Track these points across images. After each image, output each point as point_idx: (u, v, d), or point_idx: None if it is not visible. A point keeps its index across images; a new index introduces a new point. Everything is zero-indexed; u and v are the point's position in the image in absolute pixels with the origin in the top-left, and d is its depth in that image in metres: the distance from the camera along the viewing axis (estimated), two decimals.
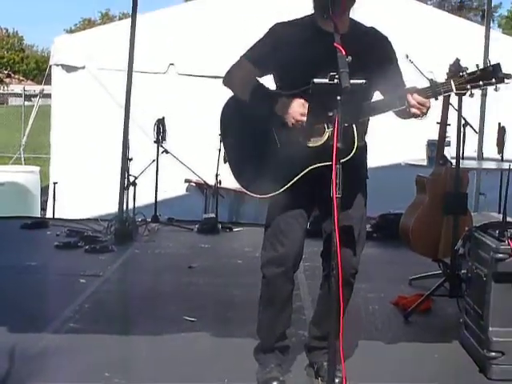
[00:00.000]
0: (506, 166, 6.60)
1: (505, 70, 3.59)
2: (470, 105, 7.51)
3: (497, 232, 4.29)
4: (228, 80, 3.73)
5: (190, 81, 9.46)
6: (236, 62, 3.73)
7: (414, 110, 3.46)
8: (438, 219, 5.66)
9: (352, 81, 3.00)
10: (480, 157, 8.55)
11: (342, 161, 3.14)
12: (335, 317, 3.14)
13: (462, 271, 4.86)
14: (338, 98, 3.03)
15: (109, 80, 9.50)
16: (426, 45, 9.23)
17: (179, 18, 10.39)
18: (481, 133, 8.44)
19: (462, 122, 7.33)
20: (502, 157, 8.05)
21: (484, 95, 8.39)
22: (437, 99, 3.53)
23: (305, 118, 3.39)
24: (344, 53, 3.05)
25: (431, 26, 10.30)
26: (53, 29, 78.92)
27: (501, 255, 4.04)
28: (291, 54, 3.53)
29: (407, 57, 6.62)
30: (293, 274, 3.80)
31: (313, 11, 3.64)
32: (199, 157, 8.87)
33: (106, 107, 9.42)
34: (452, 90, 3.48)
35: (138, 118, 9.08)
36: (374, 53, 3.56)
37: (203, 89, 8.91)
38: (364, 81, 3.08)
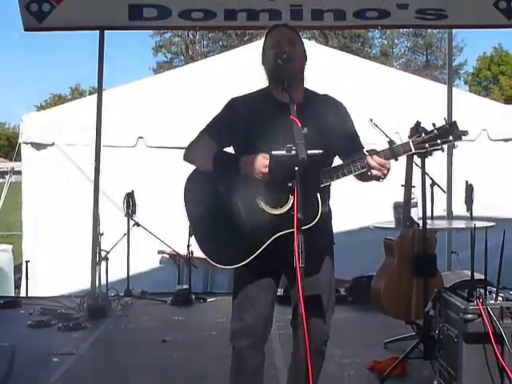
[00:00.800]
0: (473, 224, 6.67)
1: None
2: (437, 164, 7.65)
3: (466, 292, 4.32)
4: (189, 155, 3.77)
5: (160, 153, 9.49)
6: (195, 137, 3.79)
7: (374, 172, 3.50)
8: (408, 281, 5.67)
9: (309, 151, 3.05)
10: (450, 216, 8.61)
11: (307, 227, 3.20)
12: None
13: (436, 332, 4.85)
14: (296, 168, 3.08)
15: (78, 155, 9.52)
16: (391, 107, 9.36)
17: (147, 91, 10.51)
18: (449, 192, 8.51)
19: (430, 182, 7.46)
20: (471, 214, 8.12)
21: (450, 154, 8.50)
22: (396, 160, 3.59)
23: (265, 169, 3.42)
24: (300, 124, 3.11)
25: (395, 87, 10.47)
26: (24, 105, 79.31)
27: (470, 316, 4.06)
28: (249, 126, 3.59)
29: (371, 121, 6.70)
30: (262, 346, 3.79)
31: (267, 83, 3.72)
32: (171, 228, 8.85)
33: (76, 182, 9.43)
34: (411, 150, 3.54)
35: (108, 192, 9.12)
36: (329, 119, 3.64)
37: (172, 160, 8.88)
38: (321, 151, 3.15)
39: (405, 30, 47.71)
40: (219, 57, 13.94)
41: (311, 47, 12.73)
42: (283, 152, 3.12)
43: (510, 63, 57.17)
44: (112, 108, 8.88)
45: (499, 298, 4.20)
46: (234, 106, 3.73)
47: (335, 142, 3.59)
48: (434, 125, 3.53)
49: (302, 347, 3.10)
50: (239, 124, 3.63)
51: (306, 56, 3.76)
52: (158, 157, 9.47)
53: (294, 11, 7.34)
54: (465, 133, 3.56)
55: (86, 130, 8.87)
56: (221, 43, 51.12)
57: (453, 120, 3.58)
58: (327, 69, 10.04)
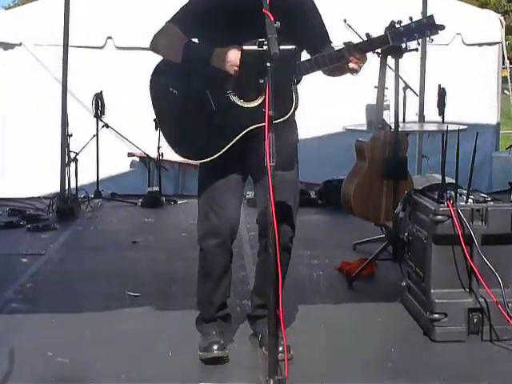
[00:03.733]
0: (445, 127, 6.65)
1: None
2: (410, 68, 7.57)
3: (436, 194, 4.31)
4: (156, 44, 3.64)
5: (129, 54, 9.29)
6: (162, 27, 3.66)
7: (352, 65, 3.48)
8: (379, 184, 5.68)
9: (281, 47, 2.98)
10: (421, 119, 8.60)
11: (279, 121, 3.17)
12: (274, 284, 3.12)
13: (405, 234, 4.87)
14: (268, 64, 3.00)
15: (46, 56, 9.28)
16: (365, 10, 9.19)
17: None
18: (421, 95, 8.47)
19: (403, 85, 7.39)
20: (443, 118, 8.11)
21: (424, 58, 8.41)
22: (374, 52, 3.61)
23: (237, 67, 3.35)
24: (272, 18, 3.03)
25: None
26: None
27: (440, 217, 4.05)
28: (218, 17, 3.48)
29: (345, 21, 6.60)
30: (230, 245, 3.78)
31: None
32: (140, 130, 8.74)
33: (44, 83, 9.23)
34: (388, 43, 3.51)
35: (77, 93, 8.96)
36: (300, 12, 3.60)
37: (141, 61, 8.68)
38: (294, 46, 3.08)
39: None
40: None
41: None
42: (255, 47, 3.03)
43: None
44: (81, 7, 8.65)
45: (470, 201, 4.20)
46: None
47: (305, 35, 3.55)
48: (410, 18, 3.49)
49: (271, 243, 3.08)
50: (208, 14, 3.51)
51: None
52: (127, 57, 9.27)
53: None
54: (441, 27, 3.52)
55: (54, 29, 8.64)
56: None
57: (430, 15, 3.52)
58: None
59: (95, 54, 9.43)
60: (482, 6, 44.76)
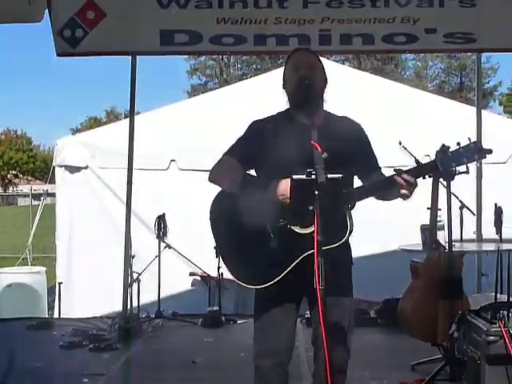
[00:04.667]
0: (502, 246, 6.68)
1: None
2: (467, 186, 7.66)
3: (489, 314, 4.34)
4: (215, 176, 3.87)
5: (191, 176, 9.57)
6: (219, 159, 3.89)
7: (403, 191, 3.58)
8: (434, 304, 5.69)
9: (329, 175, 3.14)
10: (479, 238, 8.60)
11: (333, 246, 3.31)
12: None
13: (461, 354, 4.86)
14: (316, 192, 3.16)
15: (111, 178, 9.66)
16: (421, 130, 9.37)
17: (181, 114, 10.62)
18: (479, 214, 8.50)
19: (459, 204, 7.48)
20: (501, 237, 8.10)
21: (480, 177, 8.49)
22: (424, 178, 3.67)
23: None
24: (320, 149, 3.20)
25: (427, 111, 10.47)
26: (59, 128, 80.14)
27: (492, 337, 4.08)
28: (270, 149, 3.68)
29: (400, 143, 6.75)
30: (286, 366, 3.83)
31: (288, 106, 3.82)
32: (201, 250, 8.91)
33: (109, 205, 9.57)
34: (438, 169, 3.61)
35: (141, 214, 9.26)
36: (348, 141, 3.73)
37: (204, 183, 8.96)
38: (340, 175, 3.23)
39: None
40: (253, 80, 14.04)
41: (343, 71, 12.84)
42: (303, 176, 3.21)
43: None
44: (145, 131, 9.03)
45: None
46: (256, 129, 3.85)
47: (354, 163, 3.70)
48: (458, 143, 3.60)
49: (323, 367, 3.15)
50: (261, 146, 3.73)
51: (326, 79, 3.86)
52: (190, 180, 9.55)
53: (323, 36, 7.42)
54: (489, 151, 3.63)
55: (119, 153, 9.00)
56: (254, 66, 51.42)
57: (476, 140, 3.64)
58: (359, 92, 10.13)
59: (159, 176, 9.76)
60: None
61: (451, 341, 5.04)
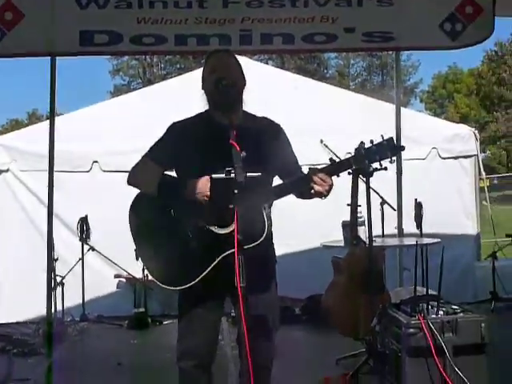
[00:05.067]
0: (423, 241, 6.81)
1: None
2: (388, 182, 7.80)
3: (409, 307, 4.44)
4: (133, 178, 3.88)
5: (114, 177, 9.49)
6: (138, 161, 3.89)
7: (317, 188, 3.63)
8: (357, 298, 5.78)
9: (248, 174, 3.17)
10: (400, 233, 8.75)
11: (252, 245, 3.34)
12: None
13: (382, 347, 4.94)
14: (235, 191, 3.19)
15: (32, 181, 9.52)
16: (344, 128, 9.48)
17: (103, 115, 10.53)
18: (399, 210, 8.66)
19: (380, 200, 7.60)
20: (421, 232, 8.27)
21: (399, 173, 8.64)
22: (338, 176, 3.73)
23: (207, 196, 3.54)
24: (238, 149, 3.23)
25: (349, 109, 10.58)
26: None
27: (411, 330, 4.17)
28: (190, 150, 3.71)
29: (321, 142, 6.86)
30: (209, 366, 3.86)
31: (207, 107, 3.85)
32: (126, 252, 8.80)
33: (31, 208, 9.44)
34: (351, 166, 3.68)
35: (63, 217, 9.15)
36: (267, 141, 3.78)
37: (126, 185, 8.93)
38: (259, 173, 3.27)
39: None
40: (176, 79, 13.99)
41: (266, 70, 12.87)
42: (222, 175, 3.24)
43: (465, 81, 58.09)
44: (67, 132, 8.91)
45: (440, 312, 4.32)
46: (175, 131, 3.86)
47: (273, 162, 3.74)
48: (371, 141, 3.67)
49: (245, 366, 3.18)
50: (180, 148, 3.75)
51: (244, 80, 3.89)
52: (113, 181, 9.47)
53: (244, 36, 7.43)
54: (402, 148, 3.72)
55: (40, 155, 8.87)
56: (178, 66, 51.27)
57: (389, 137, 3.71)
58: (281, 91, 10.20)
59: (81, 178, 9.65)
60: (463, 118, 45.84)
61: (373, 335, 5.12)
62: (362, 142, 4.31)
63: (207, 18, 7.40)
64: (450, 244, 8.22)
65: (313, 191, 3.66)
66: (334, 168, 3.68)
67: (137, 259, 3.96)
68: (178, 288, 3.79)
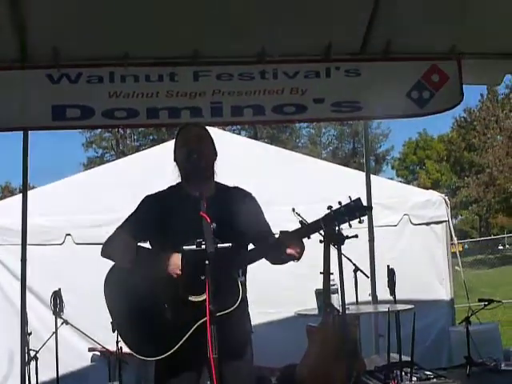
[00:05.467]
0: (396, 307, 6.86)
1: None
2: (361, 249, 7.87)
3: (383, 374, 4.46)
4: (106, 251, 3.92)
5: (87, 249, 9.48)
6: (112, 233, 3.94)
7: (289, 251, 3.70)
8: (331, 366, 5.77)
9: (219, 245, 3.23)
10: (374, 300, 8.78)
11: (227, 312, 3.39)
12: None
13: None
14: (206, 262, 3.23)
15: (5, 255, 9.48)
16: (315, 197, 9.57)
17: (76, 187, 10.58)
18: (372, 276, 8.71)
19: (353, 267, 7.65)
20: (395, 298, 8.30)
21: (371, 240, 8.70)
22: (309, 238, 3.81)
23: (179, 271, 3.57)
24: (209, 220, 3.29)
25: (320, 178, 10.71)
26: None
27: None
28: (163, 222, 3.77)
29: (293, 210, 6.90)
30: None
31: (179, 180, 3.92)
32: (100, 325, 8.80)
33: (4, 282, 9.39)
34: (321, 228, 3.75)
35: (36, 290, 9.11)
36: (239, 211, 3.84)
37: (100, 257, 8.91)
38: (229, 244, 3.32)
39: None
40: (149, 151, 14.09)
41: (239, 140, 13.04)
42: (194, 247, 3.29)
43: (435, 148, 58.87)
44: (40, 205, 8.93)
45: (414, 379, 4.35)
46: (148, 203, 3.93)
47: (246, 231, 3.80)
48: (339, 203, 3.75)
49: None
50: (153, 220, 3.81)
51: (215, 152, 3.97)
52: (86, 253, 9.45)
53: (214, 108, 7.54)
54: (369, 208, 3.82)
55: (13, 228, 8.87)
56: (151, 137, 51.60)
57: (357, 197, 3.79)
58: (254, 161, 10.33)
59: (54, 251, 9.63)
60: (435, 183, 46.34)
61: None
62: (330, 206, 4.40)
63: (178, 92, 7.51)
64: (424, 310, 8.32)
65: (285, 255, 3.71)
66: (305, 230, 3.76)
67: (113, 331, 3.97)
68: (153, 359, 3.80)
